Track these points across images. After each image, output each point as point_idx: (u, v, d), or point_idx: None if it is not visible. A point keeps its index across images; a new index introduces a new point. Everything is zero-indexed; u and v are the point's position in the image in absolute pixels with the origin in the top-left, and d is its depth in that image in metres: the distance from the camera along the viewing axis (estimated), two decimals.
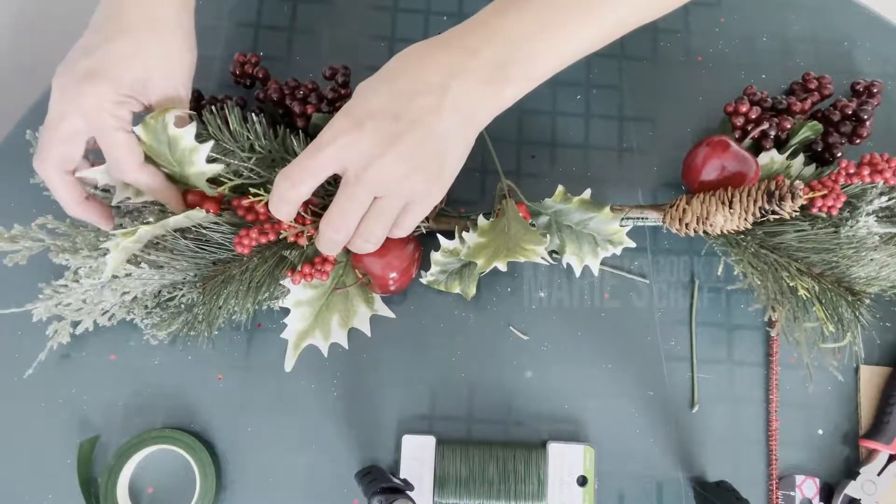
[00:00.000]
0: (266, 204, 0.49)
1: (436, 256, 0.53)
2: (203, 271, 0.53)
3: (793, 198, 0.50)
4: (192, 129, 0.48)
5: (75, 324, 0.53)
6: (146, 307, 0.54)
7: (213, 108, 0.52)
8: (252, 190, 0.49)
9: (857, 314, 0.51)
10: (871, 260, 0.51)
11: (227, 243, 0.53)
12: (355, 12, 0.64)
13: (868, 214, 0.52)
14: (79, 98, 0.45)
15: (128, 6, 0.48)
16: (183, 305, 0.53)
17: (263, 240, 0.50)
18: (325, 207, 0.52)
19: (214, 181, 0.51)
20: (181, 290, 0.53)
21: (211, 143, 0.49)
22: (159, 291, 0.54)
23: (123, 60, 0.46)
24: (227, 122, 0.52)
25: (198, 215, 0.50)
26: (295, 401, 0.55)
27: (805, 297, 0.51)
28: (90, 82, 0.45)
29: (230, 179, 0.51)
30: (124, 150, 0.47)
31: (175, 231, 0.51)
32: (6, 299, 0.55)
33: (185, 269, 0.52)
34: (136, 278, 0.51)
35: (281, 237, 0.50)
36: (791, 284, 0.51)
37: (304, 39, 0.63)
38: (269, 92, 0.56)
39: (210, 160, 0.50)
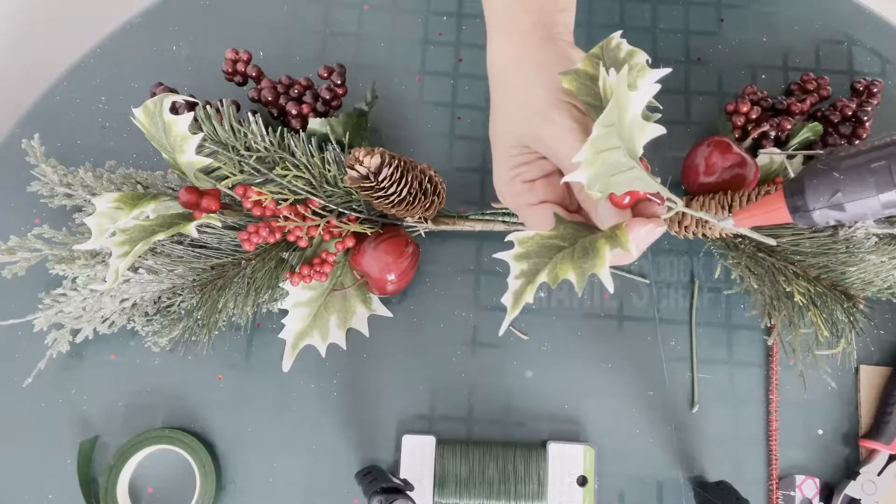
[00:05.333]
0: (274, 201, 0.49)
1: (505, 255, 0.35)
2: (201, 276, 0.53)
3: None
4: (186, 117, 0.48)
5: (75, 332, 0.53)
6: (146, 314, 0.54)
7: (206, 108, 0.51)
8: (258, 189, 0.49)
9: (852, 319, 0.51)
10: (868, 262, 0.51)
11: (223, 247, 0.53)
12: (354, 13, 0.64)
13: None
14: None
15: None
16: (183, 311, 0.53)
17: (271, 239, 0.50)
18: (324, 207, 0.52)
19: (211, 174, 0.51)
20: (180, 294, 0.53)
21: (201, 135, 0.49)
22: (159, 297, 0.54)
23: None
24: (222, 123, 0.51)
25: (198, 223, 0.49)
26: (295, 401, 0.55)
27: (801, 304, 0.51)
28: None
29: (232, 174, 0.51)
30: None
31: (171, 237, 0.51)
32: (6, 307, 0.55)
33: (183, 273, 0.52)
34: (134, 284, 0.51)
35: (284, 235, 0.50)
36: (788, 290, 0.51)
37: (302, 39, 0.63)
38: (262, 91, 0.55)
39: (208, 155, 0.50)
